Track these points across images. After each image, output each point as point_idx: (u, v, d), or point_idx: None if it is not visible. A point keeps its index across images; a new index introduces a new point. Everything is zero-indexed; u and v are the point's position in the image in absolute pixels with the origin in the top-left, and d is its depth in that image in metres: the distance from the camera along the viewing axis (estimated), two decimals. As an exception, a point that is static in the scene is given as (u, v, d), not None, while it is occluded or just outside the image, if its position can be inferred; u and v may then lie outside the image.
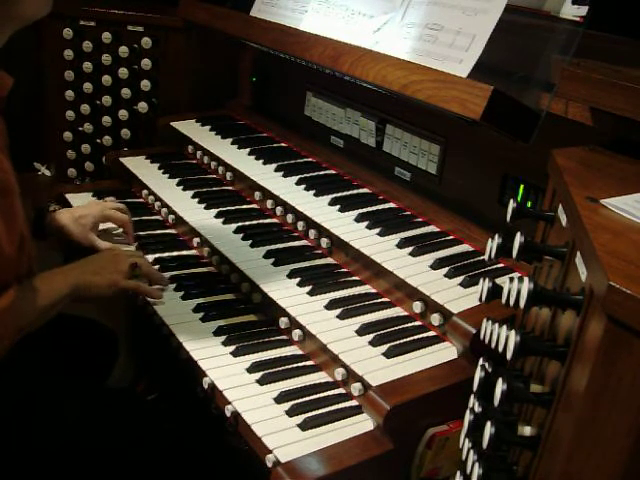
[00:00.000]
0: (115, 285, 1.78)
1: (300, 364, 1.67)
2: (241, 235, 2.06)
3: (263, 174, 2.27)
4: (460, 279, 1.68)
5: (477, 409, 1.10)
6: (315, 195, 2.12)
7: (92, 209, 2.10)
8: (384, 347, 1.59)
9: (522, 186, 1.79)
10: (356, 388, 1.53)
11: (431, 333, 1.65)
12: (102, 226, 2.14)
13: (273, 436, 1.43)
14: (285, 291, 1.80)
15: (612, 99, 1.34)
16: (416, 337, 1.63)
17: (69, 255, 2.12)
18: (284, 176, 2.25)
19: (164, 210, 2.32)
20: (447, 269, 1.72)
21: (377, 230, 1.91)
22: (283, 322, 1.75)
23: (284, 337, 1.75)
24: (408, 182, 2.14)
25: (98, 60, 2.79)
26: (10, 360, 1.48)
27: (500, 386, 0.97)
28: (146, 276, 1.88)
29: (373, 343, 1.61)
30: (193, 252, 2.15)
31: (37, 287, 1.58)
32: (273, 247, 1.99)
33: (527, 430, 1.03)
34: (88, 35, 2.79)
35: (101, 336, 2.09)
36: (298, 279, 1.83)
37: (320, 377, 1.63)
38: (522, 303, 0.99)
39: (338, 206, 2.05)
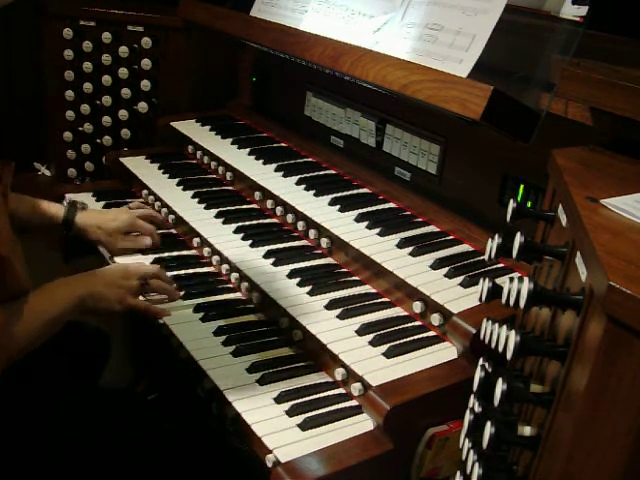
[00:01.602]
0: (123, 301, 1.74)
1: (300, 364, 1.67)
2: (241, 235, 2.06)
3: (263, 174, 2.27)
4: (460, 279, 1.68)
5: (477, 409, 1.10)
6: (315, 195, 2.12)
7: (121, 216, 2.12)
8: (384, 347, 1.59)
9: (522, 186, 1.79)
10: (356, 388, 1.53)
11: (431, 333, 1.65)
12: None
13: (273, 436, 1.43)
14: (285, 291, 1.79)
15: (612, 99, 1.34)
16: (416, 337, 1.63)
17: (69, 256, 2.13)
18: (284, 176, 2.25)
19: (164, 210, 2.32)
20: (447, 269, 1.72)
21: (377, 230, 1.91)
22: (283, 322, 1.75)
23: (284, 337, 1.75)
24: (408, 182, 2.14)
25: (98, 60, 2.79)
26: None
27: (500, 386, 0.97)
28: (157, 292, 1.86)
29: (373, 343, 1.61)
30: (193, 252, 2.15)
31: (36, 302, 1.53)
32: (273, 247, 1.99)
33: (527, 430, 1.03)
34: (88, 35, 2.79)
35: (89, 336, 2.07)
36: (298, 279, 1.83)
37: (320, 377, 1.63)
38: (522, 303, 0.99)
39: (338, 206, 2.05)
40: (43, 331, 1.55)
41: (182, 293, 1.89)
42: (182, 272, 2.01)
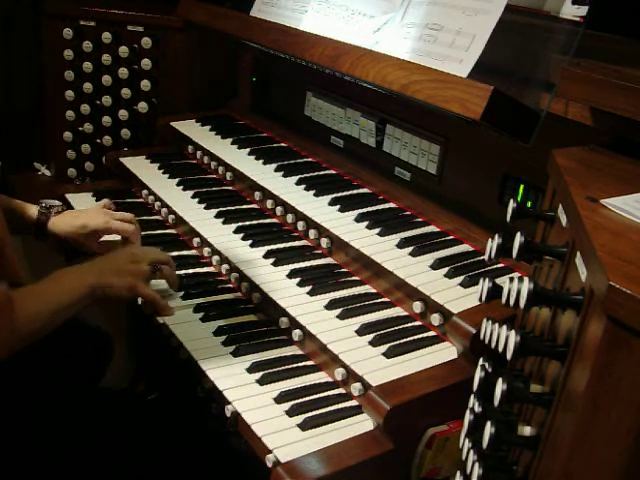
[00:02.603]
0: (134, 289, 1.72)
1: (300, 364, 1.67)
2: (241, 235, 2.06)
3: (263, 174, 2.27)
4: (460, 279, 1.68)
5: (477, 409, 1.10)
6: (315, 195, 2.12)
7: (96, 219, 2.03)
8: (384, 347, 1.59)
9: (522, 186, 1.79)
10: (356, 388, 1.53)
11: (431, 333, 1.65)
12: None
13: (273, 436, 1.43)
14: (285, 291, 1.79)
15: (612, 99, 1.34)
16: (416, 337, 1.63)
17: (70, 256, 2.12)
18: (284, 176, 2.25)
19: (164, 210, 2.32)
20: (447, 269, 1.72)
21: (377, 230, 1.91)
22: (283, 322, 1.75)
23: (284, 337, 1.75)
24: (408, 182, 2.14)
25: (98, 60, 2.79)
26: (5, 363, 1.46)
27: (500, 386, 0.97)
28: (165, 279, 1.85)
29: (373, 343, 1.60)
30: (193, 252, 2.15)
31: (45, 289, 1.54)
32: (273, 247, 1.99)
33: (527, 430, 1.03)
34: (88, 35, 2.79)
35: (91, 337, 2.07)
36: (298, 279, 1.83)
37: (320, 377, 1.63)
38: (522, 303, 0.99)
39: (338, 206, 2.05)
40: (51, 318, 1.54)
41: (182, 293, 1.89)
42: (182, 272, 2.01)
